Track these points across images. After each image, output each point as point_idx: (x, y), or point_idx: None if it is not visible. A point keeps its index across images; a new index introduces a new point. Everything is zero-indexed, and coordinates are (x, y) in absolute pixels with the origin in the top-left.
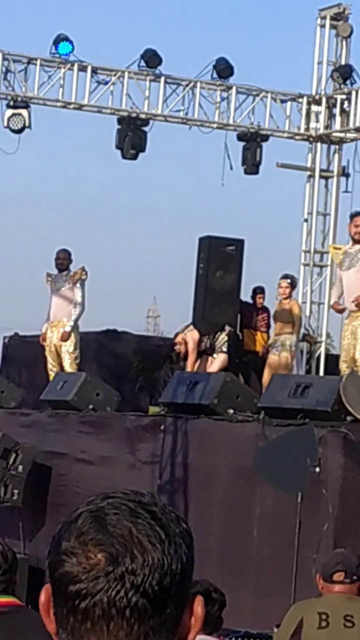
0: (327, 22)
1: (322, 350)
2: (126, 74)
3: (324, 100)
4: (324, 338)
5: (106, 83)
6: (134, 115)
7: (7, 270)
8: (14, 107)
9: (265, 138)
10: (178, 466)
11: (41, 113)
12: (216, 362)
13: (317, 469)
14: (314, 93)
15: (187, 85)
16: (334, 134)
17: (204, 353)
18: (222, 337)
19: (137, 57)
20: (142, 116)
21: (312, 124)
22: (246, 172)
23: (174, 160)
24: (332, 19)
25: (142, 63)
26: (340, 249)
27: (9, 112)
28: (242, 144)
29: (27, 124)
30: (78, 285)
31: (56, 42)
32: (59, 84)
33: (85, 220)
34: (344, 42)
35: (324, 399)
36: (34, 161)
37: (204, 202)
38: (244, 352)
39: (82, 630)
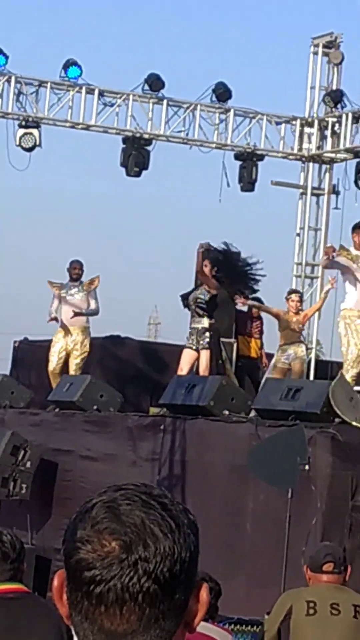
0: (320, 49)
1: (313, 356)
2: (131, 97)
3: (316, 122)
4: (314, 345)
5: (112, 105)
6: (137, 135)
7: (17, 279)
8: (26, 126)
9: (261, 158)
10: (176, 463)
11: (51, 133)
12: (201, 360)
13: (307, 467)
14: (306, 116)
15: (187, 107)
16: (325, 154)
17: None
18: (206, 334)
19: (141, 81)
20: (146, 136)
21: (305, 145)
22: (242, 190)
23: (175, 178)
24: (324, 46)
25: (146, 86)
26: (349, 251)
27: (21, 131)
28: (238, 163)
29: (37, 143)
30: (92, 293)
31: (65, 67)
32: (68, 105)
33: (91, 232)
34: (336, 69)
35: (313, 401)
36: (44, 178)
37: (203, 216)
38: (238, 357)
39: (95, 613)
